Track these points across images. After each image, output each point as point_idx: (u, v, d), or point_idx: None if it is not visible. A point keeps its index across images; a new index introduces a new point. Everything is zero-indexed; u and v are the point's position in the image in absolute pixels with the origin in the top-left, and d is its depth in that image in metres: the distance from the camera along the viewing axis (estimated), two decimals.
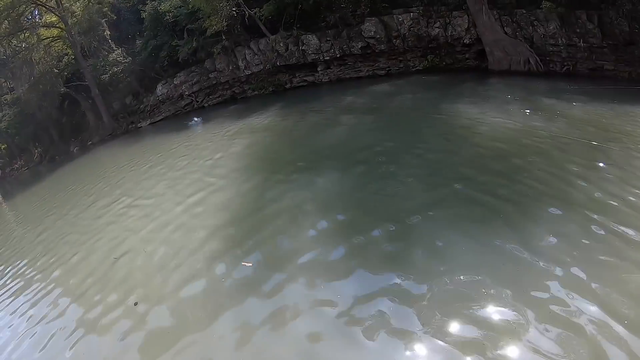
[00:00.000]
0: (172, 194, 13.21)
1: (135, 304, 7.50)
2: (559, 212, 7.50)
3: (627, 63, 18.44)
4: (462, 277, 6.15)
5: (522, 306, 5.50)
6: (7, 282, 11.23)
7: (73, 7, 38.07)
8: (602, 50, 19.15)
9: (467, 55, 23.22)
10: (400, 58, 25.25)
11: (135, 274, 8.81)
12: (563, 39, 19.98)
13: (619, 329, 5.00)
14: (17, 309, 9.36)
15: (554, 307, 5.41)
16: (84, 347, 6.98)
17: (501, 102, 16.25)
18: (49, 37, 39.85)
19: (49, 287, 9.75)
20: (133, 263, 9.37)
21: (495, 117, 14.18)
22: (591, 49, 19.37)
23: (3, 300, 10.16)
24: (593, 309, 5.31)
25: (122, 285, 8.45)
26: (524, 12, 20.87)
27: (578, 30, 19.45)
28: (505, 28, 21.37)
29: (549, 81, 18.95)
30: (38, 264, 11.54)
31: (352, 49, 25.61)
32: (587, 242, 6.56)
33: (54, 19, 38.09)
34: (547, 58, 20.59)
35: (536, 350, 4.87)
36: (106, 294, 8.32)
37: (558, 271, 6.03)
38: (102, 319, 7.56)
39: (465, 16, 22.37)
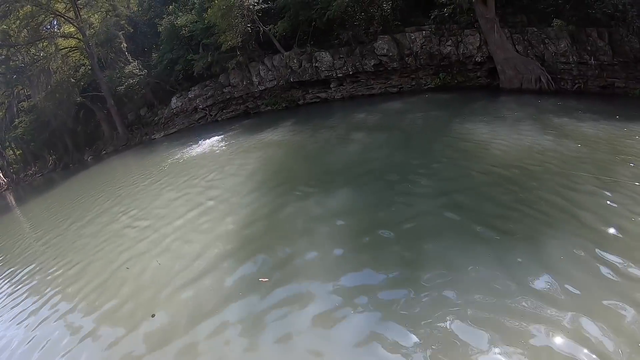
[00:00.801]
0: (181, 207, 13.47)
1: (153, 315, 7.60)
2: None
3: (638, 80, 18.49)
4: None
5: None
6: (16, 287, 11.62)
7: (91, 18, 39.05)
8: (612, 68, 19.21)
9: (478, 74, 23.37)
10: (413, 76, 25.44)
11: (144, 284, 9.03)
12: (574, 57, 20.06)
13: None
14: (20, 312, 9.74)
15: None
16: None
17: (512, 121, 16.19)
18: (66, 47, 40.86)
19: (52, 292, 10.14)
20: (142, 273, 9.60)
21: (506, 137, 14.08)
22: (602, 67, 19.43)
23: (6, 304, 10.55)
24: None
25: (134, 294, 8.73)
26: (535, 30, 21.00)
27: (589, 48, 19.52)
28: (516, 46, 21.52)
29: (560, 99, 18.98)
30: (47, 268, 11.92)
31: (364, 67, 25.90)
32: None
33: (72, 29, 39.09)
34: (559, 76, 20.68)
35: None
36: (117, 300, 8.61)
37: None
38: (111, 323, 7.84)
39: (477, 34, 22.55)
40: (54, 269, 11.69)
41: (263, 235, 9.81)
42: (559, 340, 5.36)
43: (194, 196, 14.38)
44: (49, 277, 11.17)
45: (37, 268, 12.32)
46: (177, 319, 7.37)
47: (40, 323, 8.79)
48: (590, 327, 5.46)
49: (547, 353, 5.22)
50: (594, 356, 5.06)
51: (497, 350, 5.34)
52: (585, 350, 5.14)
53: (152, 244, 11.13)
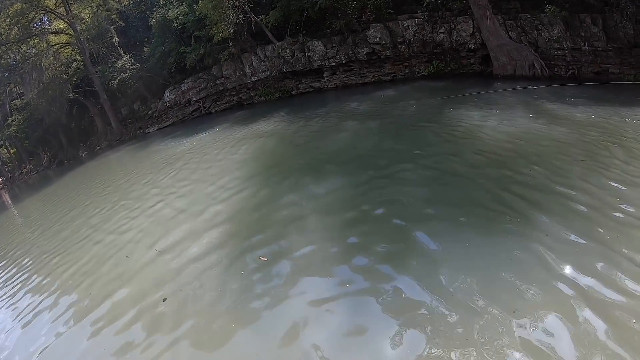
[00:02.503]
0: (179, 199, 13.27)
1: (164, 299, 7.52)
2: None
3: (632, 66, 18.38)
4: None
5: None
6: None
7: (82, 13, 38.73)
8: (606, 54, 19.13)
9: (472, 61, 23.26)
10: (406, 64, 25.31)
11: (147, 271, 8.95)
12: (568, 43, 19.97)
13: None
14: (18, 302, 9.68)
15: None
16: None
17: (505, 107, 16.14)
18: (58, 44, 40.50)
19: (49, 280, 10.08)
20: (141, 260, 9.52)
21: (498, 123, 14.01)
22: (596, 53, 19.36)
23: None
24: None
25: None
26: (529, 16, 20.90)
27: (582, 34, 19.44)
28: (509, 33, 21.42)
29: (553, 85, 18.87)
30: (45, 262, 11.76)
31: (357, 55, 25.75)
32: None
33: (63, 25, 38.78)
34: (552, 62, 20.58)
35: None
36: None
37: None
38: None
39: (470, 21, 22.43)
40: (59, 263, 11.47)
41: (255, 222, 9.73)
42: None
43: (189, 188, 14.20)
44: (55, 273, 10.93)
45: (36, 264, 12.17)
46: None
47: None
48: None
49: None
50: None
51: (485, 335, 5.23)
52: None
53: (148, 233, 11.07)
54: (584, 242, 6.69)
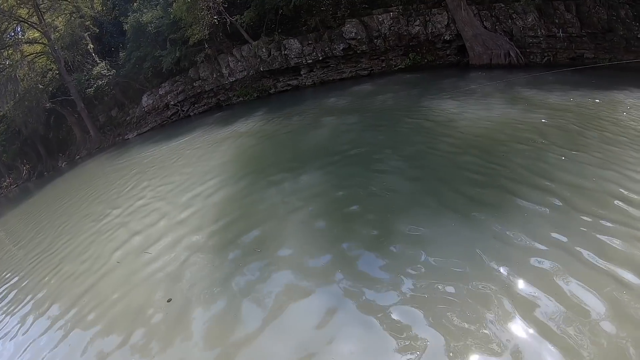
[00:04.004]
0: (165, 203, 13.01)
1: (169, 300, 7.34)
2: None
3: (607, 50, 18.51)
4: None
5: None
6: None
7: (55, 22, 38.10)
8: (581, 39, 19.22)
9: (448, 52, 23.23)
10: (382, 58, 25.23)
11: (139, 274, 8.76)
12: (542, 30, 20.03)
13: None
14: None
15: None
16: None
17: (482, 96, 16.22)
18: (32, 53, 39.75)
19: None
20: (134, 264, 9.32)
21: (475, 111, 14.14)
22: (570, 39, 19.44)
23: None
24: None
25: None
26: (502, 5, 20.91)
27: (557, 21, 19.51)
28: (484, 22, 21.41)
29: (529, 72, 18.85)
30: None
31: (334, 51, 25.57)
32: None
33: (36, 34, 38.07)
34: (528, 50, 20.63)
35: None
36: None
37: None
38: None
39: (445, 13, 22.40)
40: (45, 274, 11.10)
41: (238, 221, 9.69)
42: None
43: (169, 194, 13.82)
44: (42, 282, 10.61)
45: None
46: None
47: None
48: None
49: None
50: None
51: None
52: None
53: (137, 239, 10.82)
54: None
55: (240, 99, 30.17)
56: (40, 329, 8.06)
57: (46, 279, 10.40)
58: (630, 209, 6.80)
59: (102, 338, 6.97)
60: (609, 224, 6.47)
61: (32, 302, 9.40)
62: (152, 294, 7.70)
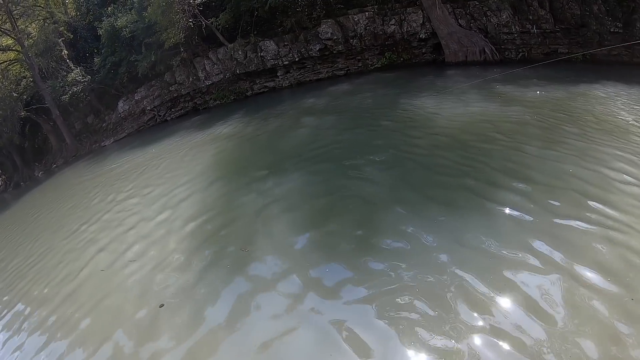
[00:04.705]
0: (144, 207, 12.76)
1: (161, 305, 7.18)
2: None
3: (581, 45, 18.62)
4: None
5: None
6: None
7: (29, 28, 37.27)
8: (555, 35, 19.32)
9: (423, 50, 23.22)
10: (359, 57, 25.17)
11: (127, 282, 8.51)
12: (516, 27, 20.12)
13: None
14: None
15: None
16: None
17: (458, 93, 16.32)
18: (5, 61, 38.85)
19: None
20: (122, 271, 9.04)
21: (452, 108, 14.25)
22: (544, 34, 19.55)
23: None
24: None
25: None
26: (477, 3, 20.95)
27: (531, 17, 19.61)
28: (459, 20, 21.43)
29: (505, 69, 18.93)
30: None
31: (310, 52, 25.40)
32: None
33: (9, 41, 37.18)
34: (502, 46, 20.70)
35: None
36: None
37: None
38: None
39: (420, 12, 22.40)
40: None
41: (221, 226, 9.54)
42: None
43: (147, 200, 13.53)
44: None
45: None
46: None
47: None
48: None
49: None
50: None
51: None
52: None
53: (120, 245, 10.56)
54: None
55: (217, 102, 29.79)
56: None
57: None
58: (603, 208, 6.73)
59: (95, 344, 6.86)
60: (581, 225, 6.38)
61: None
62: (144, 299, 7.60)
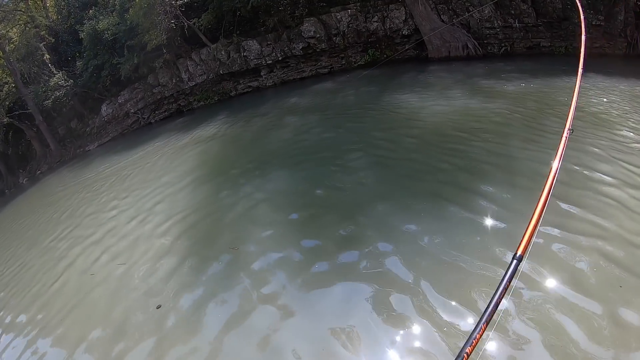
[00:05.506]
0: (132, 210, 12.53)
1: (159, 307, 7.08)
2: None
3: (563, 38, 18.66)
4: None
5: None
6: None
7: (10, 33, 36.75)
8: (537, 29, 19.35)
9: (406, 46, 23.10)
10: (342, 55, 25.06)
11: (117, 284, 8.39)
12: (499, 22, 20.10)
13: None
14: None
15: None
16: None
17: (441, 88, 16.34)
18: None
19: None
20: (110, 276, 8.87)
21: (435, 103, 14.22)
22: (527, 29, 19.57)
23: None
24: None
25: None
26: None
27: (512, 12, 19.61)
28: (441, 16, 21.41)
29: (488, 63, 19.01)
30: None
31: (293, 51, 25.21)
32: None
33: None
34: (485, 41, 20.68)
35: None
36: None
37: None
38: None
39: (402, 8, 22.36)
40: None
41: (206, 227, 9.48)
42: None
43: (133, 203, 13.27)
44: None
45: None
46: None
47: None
48: None
49: None
50: None
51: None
52: None
53: (109, 249, 10.33)
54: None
55: (201, 103, 29.46)
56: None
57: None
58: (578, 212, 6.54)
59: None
60: (554, 231, 6.12)
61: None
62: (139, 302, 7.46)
